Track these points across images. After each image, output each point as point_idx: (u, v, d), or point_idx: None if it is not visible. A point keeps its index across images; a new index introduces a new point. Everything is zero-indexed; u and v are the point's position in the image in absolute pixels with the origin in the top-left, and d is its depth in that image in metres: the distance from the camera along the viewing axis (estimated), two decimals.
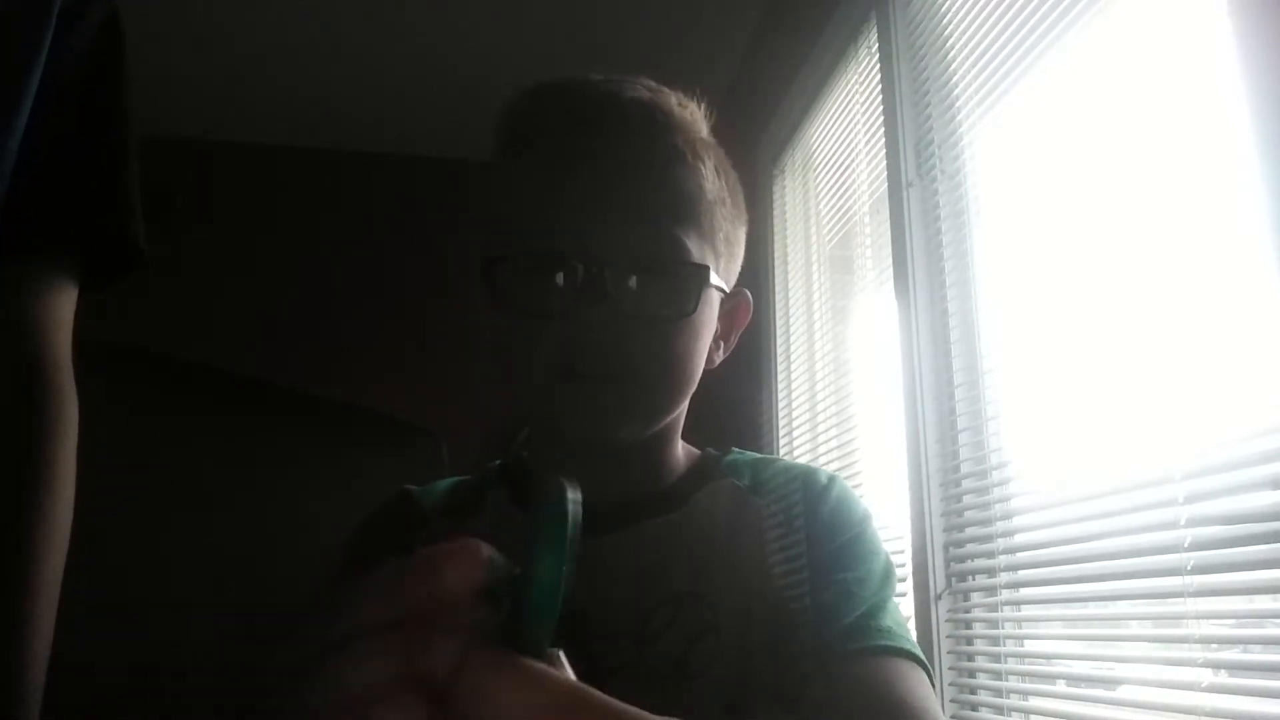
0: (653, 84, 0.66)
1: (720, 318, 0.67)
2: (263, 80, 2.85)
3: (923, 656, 0.58)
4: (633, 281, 0.59)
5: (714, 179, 0.65)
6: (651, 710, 0.28)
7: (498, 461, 0.71)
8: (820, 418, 2.04)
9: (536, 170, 0.63)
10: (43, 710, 0.58)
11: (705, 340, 0.64)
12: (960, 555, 1.42)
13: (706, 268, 0.62)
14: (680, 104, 0.66)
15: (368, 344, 2.96)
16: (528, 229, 0.62)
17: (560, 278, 0.59)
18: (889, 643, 0.57)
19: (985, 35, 1.42)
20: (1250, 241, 0.89)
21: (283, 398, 1.19)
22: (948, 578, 1.42)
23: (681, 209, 0.62)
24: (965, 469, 1.44)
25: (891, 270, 1.63)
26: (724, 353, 0.69)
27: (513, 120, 0.66)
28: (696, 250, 0.62)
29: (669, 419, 0.66)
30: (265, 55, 2.74)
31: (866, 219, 1.86)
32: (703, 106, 0.67)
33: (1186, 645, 0.97)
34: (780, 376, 2.26)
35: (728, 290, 0.66)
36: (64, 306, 0.64)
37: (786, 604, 0.60)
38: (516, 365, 0.62)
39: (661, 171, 0.62)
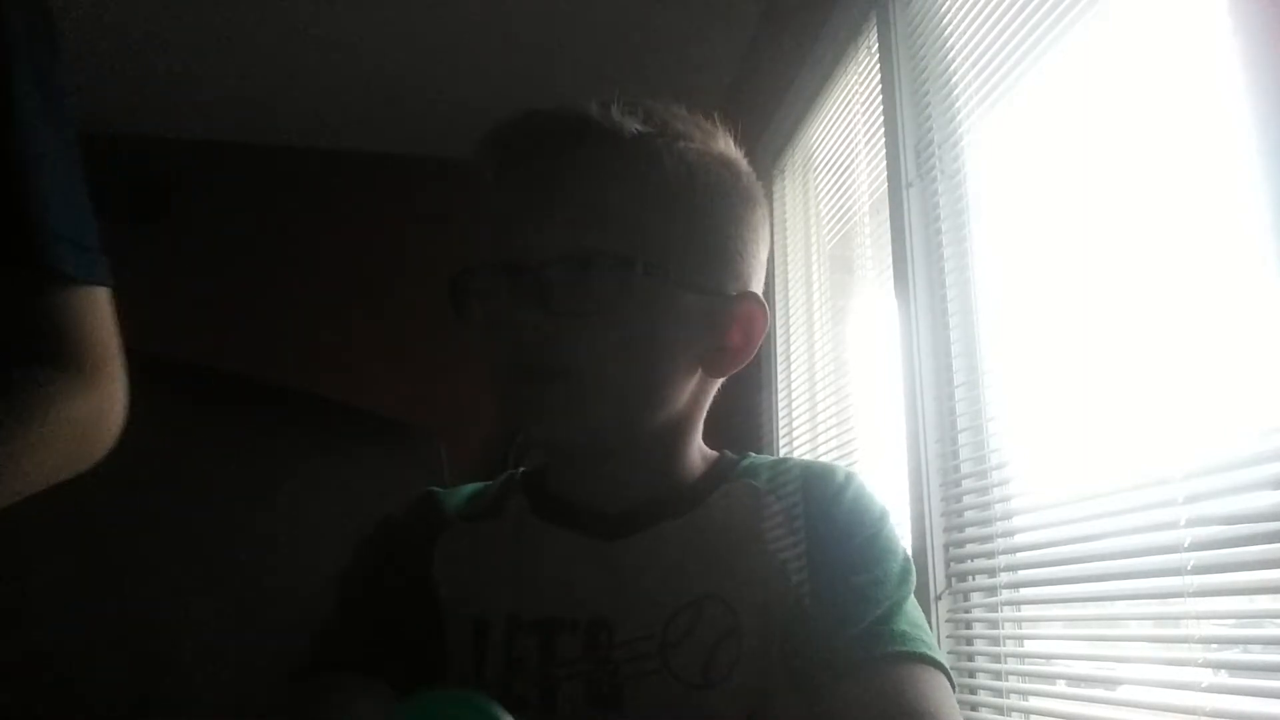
0: (645, 105, 0.64)
1: (720, 323, 0.64)
2: (262, 80, 2.85)
3: (940, 659, 0.57)
4: (567, 281, 0.59)
5: (682, 180, 0.63)
6: None
7: (520, 469, 0.71)
8: (820, 418, 2.04)
9: (485, 188, 0.66)
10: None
11: (665, 341, 0.62)
12: (960, 555, 1.41)
13: (631, 262, 0.60)
14: (628, 108, 0.63)
15: (367, 344, 2.96)
16: (482, 245, 0.64)
17: (501, 286, 0.61)
18: (906, 648, 0.57)
19: (985, 35, 1.42)
20: (1250, 241, 0.89)
21: (282, 397, 1.19)
22: (948, 578, 1.42)
23: (616, 209, 0.61)
24: (965, 469, 1.43)
25: (891, 270, 1.63)
26: (734, 361, 0.66)
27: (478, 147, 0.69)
28: (628, 247, 0.60)
29: (650, 422, 0.63)
30: (262, 55, 2.74)
31: (866, 219, 1.86)
32: (715, 117, 0.67)
33: (1186, 645, 0.97)
34: (780, 376, 2.26)
35: (726, 294, 0.64)
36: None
37: (803, 605, 0.59)
38: (488, 373, 0.64)
39: (590, 175, 0.62)
